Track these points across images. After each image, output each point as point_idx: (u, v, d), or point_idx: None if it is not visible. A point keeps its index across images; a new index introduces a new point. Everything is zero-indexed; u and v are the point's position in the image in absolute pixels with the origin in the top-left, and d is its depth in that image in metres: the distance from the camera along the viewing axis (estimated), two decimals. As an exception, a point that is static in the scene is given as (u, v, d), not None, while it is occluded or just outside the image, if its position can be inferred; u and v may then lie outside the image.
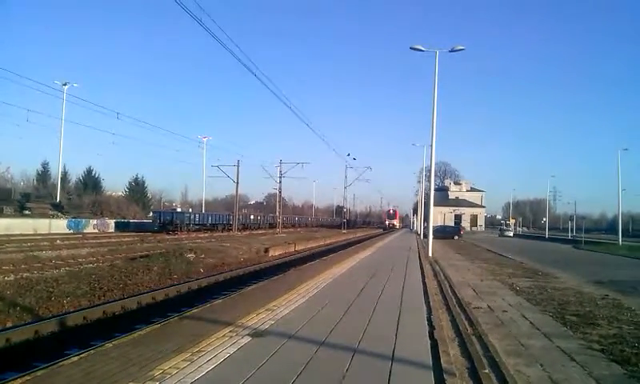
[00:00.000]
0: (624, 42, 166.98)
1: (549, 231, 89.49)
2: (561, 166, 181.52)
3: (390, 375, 5.39)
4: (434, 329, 7.73)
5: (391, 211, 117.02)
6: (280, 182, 62.48)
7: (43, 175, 67.07)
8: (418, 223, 75.33)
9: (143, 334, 7.47)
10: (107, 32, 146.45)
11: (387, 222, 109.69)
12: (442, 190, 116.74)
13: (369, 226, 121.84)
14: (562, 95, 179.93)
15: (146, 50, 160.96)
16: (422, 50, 25.58)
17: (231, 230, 55.45)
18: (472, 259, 26.12)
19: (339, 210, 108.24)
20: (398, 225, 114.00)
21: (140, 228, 50.58)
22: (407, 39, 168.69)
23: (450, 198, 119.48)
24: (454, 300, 11.52)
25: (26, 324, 10.90)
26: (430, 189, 31.12)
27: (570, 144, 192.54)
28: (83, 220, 47.73)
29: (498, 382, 5.56)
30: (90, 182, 69.47)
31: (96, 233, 44.35)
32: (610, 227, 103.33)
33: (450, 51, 25.59)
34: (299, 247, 37.25)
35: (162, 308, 13.56)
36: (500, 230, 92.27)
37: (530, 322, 9.42)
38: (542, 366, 6.52)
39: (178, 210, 59.35)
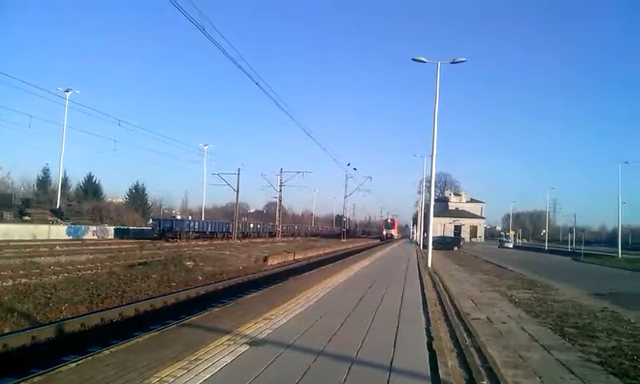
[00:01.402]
0: (625, 54, 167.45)
1: (548, 243, 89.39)
2: (561, 178, 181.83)
3: (387, 386, 5.37)
4: (433, 340, 7.71)
5: (389, 220, 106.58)
6: (280, 190, 62.54)
7: (44, 181, 67.07)
8: (417, 233, 75.13)
9: (141, 341, 7.45)
10: (109, 39, 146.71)
11: (384, 232, 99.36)
12: (442, 201, 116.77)
13: (369, 235, 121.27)
14: (563, 107, 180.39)
15: (146, 57, 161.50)
16: (424, 62, 25.72)
17: (231, 238, 55.39)
18: (471, 270, 26.07)
19: (339, 219, 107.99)
20: (396, 235, 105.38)
21: (139, 235, 50.52)
22: (408, 49, 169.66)
23: (449, 208, 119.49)
24: (453, 311, 11.48)
25: (24, 330, 10.87)
26: (430, 199, 31.15)
27: (570, 156, 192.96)
28: (83, 226, 47.67)
29: (496, 393, 5.54)
30: (91, 189, 69.49)
31: (95, 239, 44.29)
32: (610, 240, 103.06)
33: (451, 63, 25.75)
34: (298, 256, 37.21)
35: (160, 315, 13.53)
36: (500, 241, 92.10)
37: (529, 334, 9.40)
38: (540, 378, 6.49)
39: (178, 217, 59.32)
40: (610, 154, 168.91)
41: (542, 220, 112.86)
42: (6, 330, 11.00)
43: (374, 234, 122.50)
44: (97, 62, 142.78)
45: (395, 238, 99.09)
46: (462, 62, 25.61)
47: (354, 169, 68.12)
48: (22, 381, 5.52)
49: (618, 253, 54.34)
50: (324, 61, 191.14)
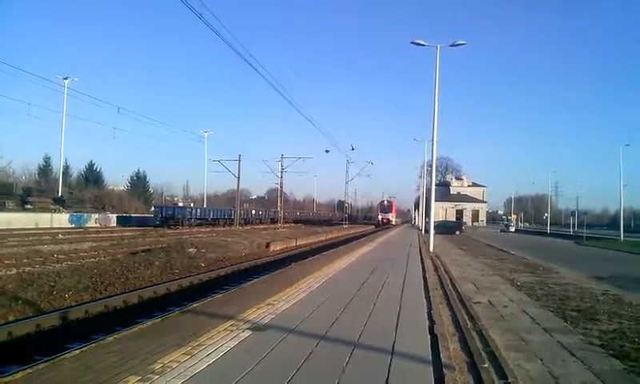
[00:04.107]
0: (627, 37, 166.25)
1: (550, 226, 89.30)
2: (563, 161, 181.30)
3: (389, 369, 5.40)
4: (435, 323, 7.74)
5: (386, 203, 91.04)
6: (281, 176, 62.52)
7: (45, 169, 67.08)
8: (419, 218, 74.78)
9: (144, 327, 7.49)
10: (108, 26, 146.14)
11: (380, 217, 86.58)
12: (443, 186, 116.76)
13: (370, 221, 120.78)
14: (565, 91, 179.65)
15: (146, 44, 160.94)
16: (423, 45, 25.48)
17: (233, 224, 55.51)
18: (473, 254, 26.10)
19: (341, 204, 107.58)
20: (394, 220, 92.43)
21: (142, 222, 50.68)
22: (409, 33, 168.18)
23: (451, 193, 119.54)
24: (455, 295, 11.51)
25: (28, 318, 10.95)
26: (431, 184, 31.11)
27: (572, 139, 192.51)
28: (85, 214, 47.85)
29: (498, 376, 5.56)
30: (92, 177, 69.61)
31: (98, 227, 44.43)
32: (612, 223, 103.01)
33: (451, 46, 25.52)
34: (300, 242, 37.29)
35: (163, 302, 13.60)
36: (505, 225, 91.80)
37: (531, 317, 9.42)
38: (542, 360, 6.52)
39: (180, 204, 59.49)
40: (612, 136, 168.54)
41: (544, 203, 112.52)
42: (11, 318, 11.08)
43: (375, 220, 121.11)
44: (94, 50, 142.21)
45: (393, 223, 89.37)
46: (461, 45, 25.38)
47: (352, 148, 66.31)
48: (27, 368, 5.55)
49: (620, 236, 54.36)
50: (323, 46, 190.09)
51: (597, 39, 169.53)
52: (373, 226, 79.36)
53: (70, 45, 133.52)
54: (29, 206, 45.33)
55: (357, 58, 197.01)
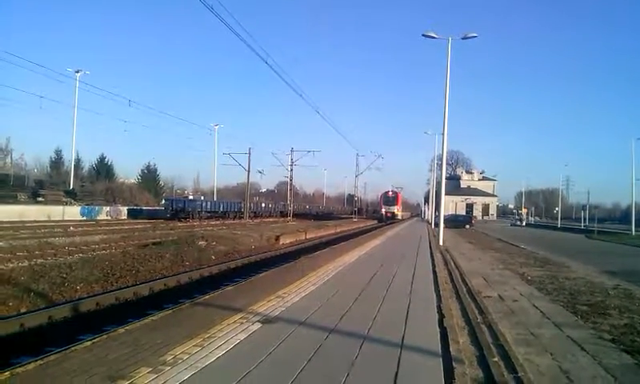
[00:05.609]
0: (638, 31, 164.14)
1: (561, 221, 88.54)
2: (574, 154, 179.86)
3: (398, 362, 5.41)
4: (444, 317, 7.73)
5: (390, 194, 79.05)
6: (291, 170, 62.50)
7: (57, 162, 67.58)
8: (429, 212, 74.12)
9: (155, 319, 7.55)
10: (119, 19, 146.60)
11: (384, 210, 75.31)
12: (453, 179, 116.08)
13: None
14: (576, 84, 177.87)
15: (157, 36, 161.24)
16: (435, 37, 25.31)
17: (242, 217, 55.62)
18: (483, 248, 25.99)
19: (350, 198, 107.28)
20: (400, 214, 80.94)
21: (152, 215, 50.90)
22: (420, 25, 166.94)
23: (461, 186, 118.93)
24: (465, 289, 11.48)
25: (40, 309, 11.06)
26: (441, 177, 30.98)
27: (584, 133, 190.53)
28: (96, 207, 48.13)
29: (508, 370, 5.54)
30: (103, 170, 69.98)
31: (109, 220, 44.75)
32: (624, 217, 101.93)
33: (462, 39, 25.34)
34: (310, 235, 37.32)
35: (173, 294, 13.68)
36: (519, 219, 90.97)
37: (541, 312, 9.37)
38: (551, 355, 6.49)
39: (190, 197, 59.71)
40: (624, 130, 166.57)
41: (555, 197, 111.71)
42: (23, 310, 11.20)
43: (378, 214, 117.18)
44: (106, 43, 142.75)
45: (399, 217, 79.10)
46: (473, 37, 25.18)
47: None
48: (39, 359, 5.61)
49: (631, 230, 53.85)
50: (334, 40, 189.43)
51: (609, 32, 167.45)
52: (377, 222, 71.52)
53: (81, 37, 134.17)
54: (41, 199, 45.66)
55: (367, 51, 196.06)
